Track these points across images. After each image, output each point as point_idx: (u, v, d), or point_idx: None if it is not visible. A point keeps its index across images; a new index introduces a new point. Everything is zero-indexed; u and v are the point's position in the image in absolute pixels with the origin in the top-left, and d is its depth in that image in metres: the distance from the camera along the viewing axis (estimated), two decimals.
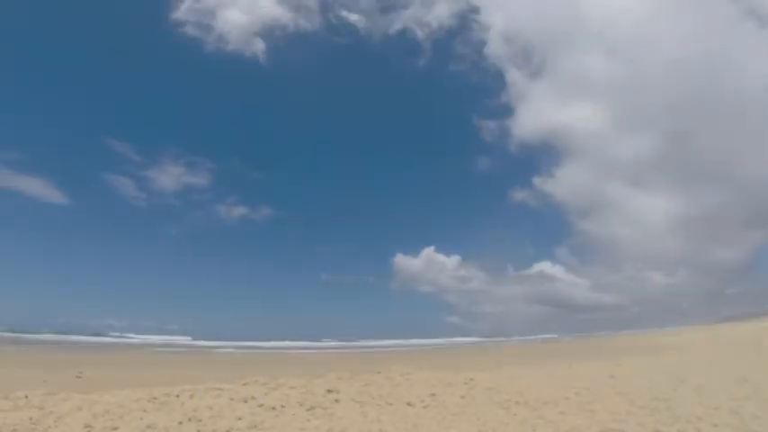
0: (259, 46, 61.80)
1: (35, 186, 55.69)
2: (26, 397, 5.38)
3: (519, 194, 64.57)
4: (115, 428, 4.28)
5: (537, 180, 61.35)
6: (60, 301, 63.79)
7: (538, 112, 61.01)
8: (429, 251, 62.28)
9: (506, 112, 64.70)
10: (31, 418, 4.50)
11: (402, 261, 63.45)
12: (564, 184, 60.80)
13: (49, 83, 64.97)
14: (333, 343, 52.25)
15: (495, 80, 66.21)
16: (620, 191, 58.93)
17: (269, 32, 62.41)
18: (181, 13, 59.48)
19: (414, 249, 64.79)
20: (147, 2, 71.62)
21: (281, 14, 62.21)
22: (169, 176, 62.86)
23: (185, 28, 59.66)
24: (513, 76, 61.77)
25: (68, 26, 65.33)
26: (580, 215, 63.68)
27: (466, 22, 64.22)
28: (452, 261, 63.19)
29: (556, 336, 55.43)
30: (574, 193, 63.59)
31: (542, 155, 64.38)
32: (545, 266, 62.28)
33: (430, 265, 63.11)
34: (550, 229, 76.03)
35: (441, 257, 62.93)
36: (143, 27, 68.49)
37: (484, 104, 74.74)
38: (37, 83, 64.90)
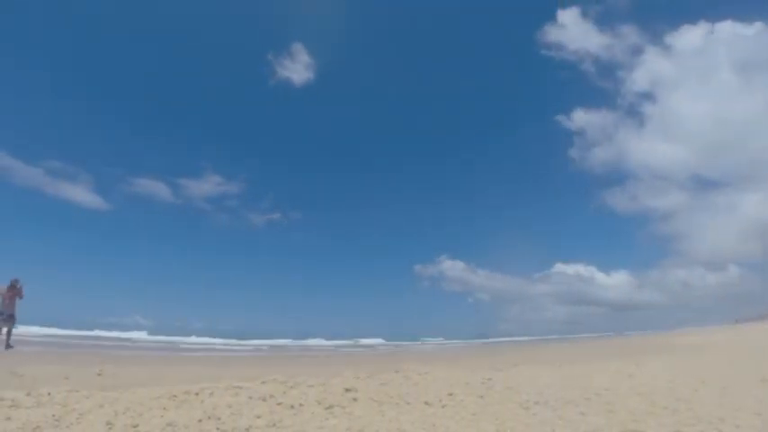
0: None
1: (77, 192, 59.72)
2: (49, 394, 5.49)
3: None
4: (136, 426, 4.34)
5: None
6: (97, 301, 66.30)
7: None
8: (451, 255, 62.78)
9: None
10: (53, 415, 4.60)
11: (427, 265, 64.18)
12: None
13: (88, 91, 67.70)
14: (352, 342, 52.46)
15: None
16: (675, 198, 59.84)
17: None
18: None
19: (440, 253, 65.63)
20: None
21: None
22: (205, 183, 65.30)
23: None
24: None
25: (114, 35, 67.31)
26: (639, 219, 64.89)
27: None
28: (474, 263, 63.54)
29: (576, 336, 55.24)
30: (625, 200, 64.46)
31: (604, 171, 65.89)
32: (578, 268, 62.42)
33: (453, 268, 63.69)
34: (592, 230, 76.46)
35: (461, 260, 63.38)
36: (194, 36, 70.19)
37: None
38: (75, 91, 67.58)
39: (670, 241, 68.67)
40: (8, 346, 14.81)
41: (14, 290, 15.33)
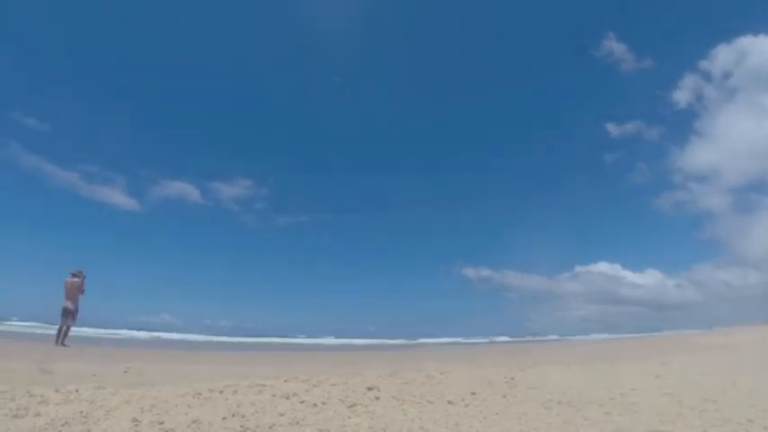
0: None
1: (111, 195, 62.22)
2: (77, 390, 5.65)
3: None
4: (161, 422, 4.44)
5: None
6: (127, 299, 68.16)
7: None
8: (477, 257, 63.02)
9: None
10: (81, 412, 4.74)
11: (453, 266, 64.46)
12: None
13: (122, 96, 69.87)
14: (373, 341, 52.62)
15: None
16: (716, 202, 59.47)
17: None
18: None
19: (465, 254, 65.93)
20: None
21: None
22: (235, 186, 66.90)
23: None
24: None
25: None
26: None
27: None
28: (499, 264, 63.51)
29: (603, 335, 54.61)
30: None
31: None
32: (609, 267, 61.95)
33: (480, 269, 63.85)
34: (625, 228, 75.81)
35: (486, 263, 63.52)
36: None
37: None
38: (110, 97, 69.84)
39: (712, 243, 68.23)
40: (63, 343, 14.89)
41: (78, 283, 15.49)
